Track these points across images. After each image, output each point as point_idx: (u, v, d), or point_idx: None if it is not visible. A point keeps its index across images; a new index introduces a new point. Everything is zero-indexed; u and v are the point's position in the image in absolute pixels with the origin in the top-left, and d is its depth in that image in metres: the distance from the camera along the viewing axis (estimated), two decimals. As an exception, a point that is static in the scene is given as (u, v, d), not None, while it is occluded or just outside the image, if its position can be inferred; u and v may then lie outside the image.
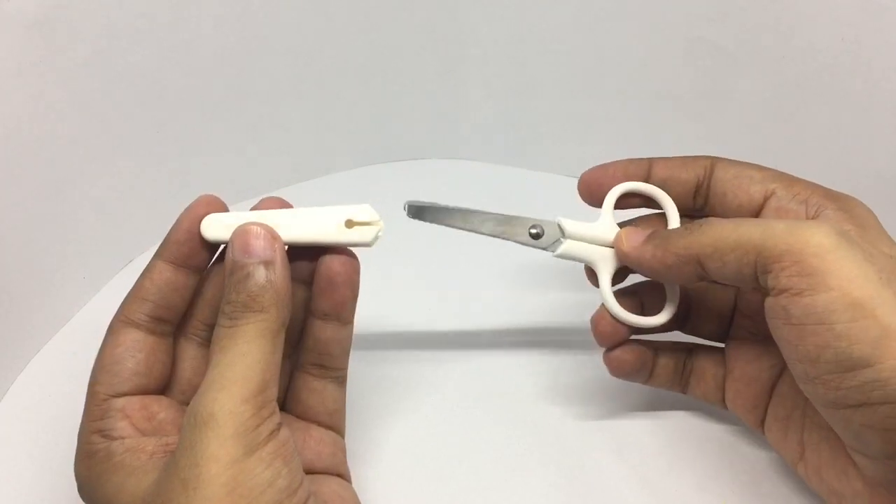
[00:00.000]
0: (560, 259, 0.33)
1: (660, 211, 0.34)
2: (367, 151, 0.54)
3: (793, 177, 0.31)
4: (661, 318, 0.33)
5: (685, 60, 0.46)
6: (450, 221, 0.33)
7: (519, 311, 0.43)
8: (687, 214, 0.34)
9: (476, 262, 0.46)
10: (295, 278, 0.29)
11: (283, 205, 0.30)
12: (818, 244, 0.25)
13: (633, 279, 0.34)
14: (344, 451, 0.32)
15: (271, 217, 0.29)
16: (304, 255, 0.30)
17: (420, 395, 0.39)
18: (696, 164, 0.33)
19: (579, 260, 0.33)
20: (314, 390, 0.31)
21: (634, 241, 0.31)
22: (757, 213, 0.31)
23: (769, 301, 0.26)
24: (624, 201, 0.34)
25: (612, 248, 0.33)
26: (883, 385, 0.24)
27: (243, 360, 0.25)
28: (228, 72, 0.46)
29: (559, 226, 0.33)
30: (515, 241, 0.33)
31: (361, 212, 0.29)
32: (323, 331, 0.30)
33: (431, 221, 0.33)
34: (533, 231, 0.33)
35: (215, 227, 0.29)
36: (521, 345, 0.42)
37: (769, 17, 0.42)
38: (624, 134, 0.50)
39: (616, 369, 0.34)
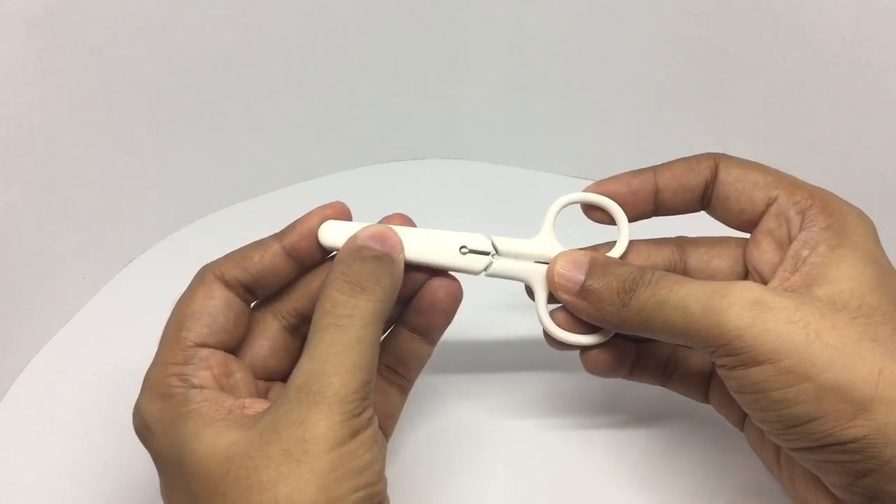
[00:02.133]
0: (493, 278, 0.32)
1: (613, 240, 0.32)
2: (367, 151, 0.54)
3: (796, 182, 0.30)
4: (597, 338, 0.31)
5: (685, 60, 0.46)
6: None
7: (517, 310, 0.43)
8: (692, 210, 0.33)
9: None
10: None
11: (406, 221, 0.31)
12: (735, 327, 0.25)
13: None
14: (385, 454, 0.32)
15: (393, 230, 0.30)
16: (411, 269, 0.31)
17: (419, 396, 0.39)
18: (702, 167, 0.31)
19: (513, 278, 0.32)
20: (379, 390, 0.32)
21: (568, 286, 0.30)
22: (759, 218, 0.31)
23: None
24: (591, 213, 0.33)
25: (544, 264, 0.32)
26: (830, 433, 0.24)
27: (360, 346, 0.26)
28: (228, 72, 0.46)
29: (491, 243, 0.31)
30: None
31: (477, 241, 0.31)
32: (409, 342, 0.32)
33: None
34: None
35: (334, 234, 0.30)
36: (520, 345, 0.42)
37: (769, 17, 0.42)
38: (624, 134, 0.50)
39: (592, 368, 0.33)
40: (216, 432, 0.25)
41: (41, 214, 0.40)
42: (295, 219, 0.30)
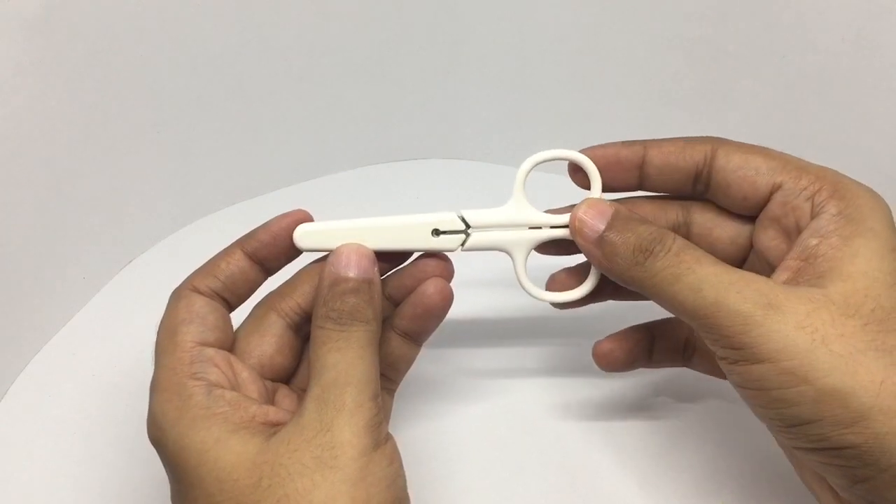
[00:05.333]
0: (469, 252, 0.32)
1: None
2: (367, 151, 0.54)
3: (802, 165, 0.29)
4: (578, 293, 0.32)
5: (685, 60, 0.46)
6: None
7: (517, 309, 0.43)
8: (687, 197, 0.32)
9: (467, 257, 0.46)
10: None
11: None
12: (743, 323, 0.25)
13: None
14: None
15: (362, 224, 0.30)
16: (389, 260, 0.31)
17: (417, 396, 0.39)
18: (696, 151, 0.30)
19: (490, 249, 0.32)
20: None
21: (587, 232, 0.30)
22: (763, 205, 0.30)
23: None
24: (574, 175, 0.32)
25: (526, 227, 0.32)
26: (827, 437, 0.24)
27: (363, 363, 0.27)
28: (228, 72, 0.46)
29: (461, 218, 0.31)
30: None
31: (447, 221, 0.31)
32: (399, 348, 0.32)
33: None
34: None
35: (310, 237, 0.30)
36: (519, 344, 0.42)
37: (769, 16, 0.42)
38: (624, 134, 0.50)
39: (608, 366, 0.34)
40: (243, 439, 0.25)
41: (41, 214, 0.40)
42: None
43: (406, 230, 0.31)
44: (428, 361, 0.41)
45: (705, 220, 0.32)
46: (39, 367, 0.41)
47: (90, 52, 0.40)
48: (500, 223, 0.32)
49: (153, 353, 0.28)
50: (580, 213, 0.30)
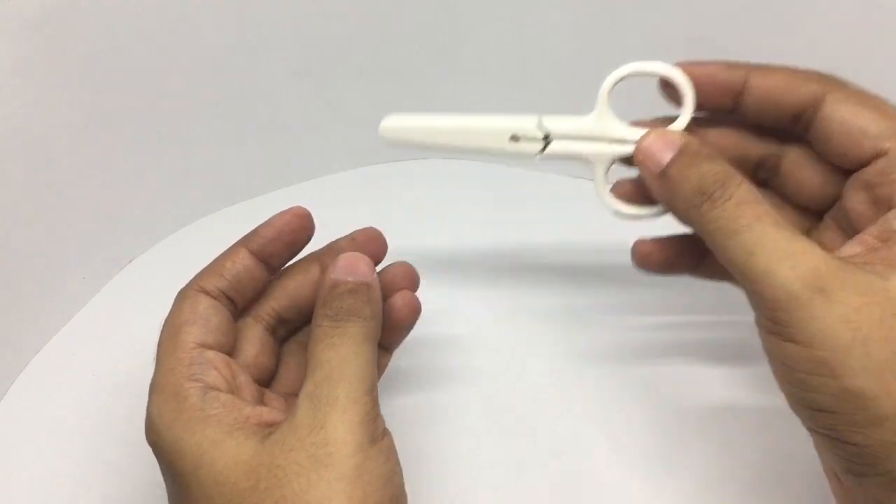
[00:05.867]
0: (549, 160, 0.31)
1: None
2: (367, 151, 0.54)
3: None
4: (656, 210, 0.30)
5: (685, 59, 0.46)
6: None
7: (518, 307, 0.43)
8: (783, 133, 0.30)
9: (467, 257, 0.46)
10: None
11: (377, 240, 0.33)
12: (788, 300, 0.24)
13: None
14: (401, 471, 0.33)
15: (444, 122, 0.32)
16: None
17: (417, 394, 0.39)
18: (804, 90, 0.28)
19: (569, 158, 0.31)
20: None
21: (649, 165, 0.28)
22: (861, 167, 0.27)
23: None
24: (665, 90, 0.31)
25: (608, 142, 0.30)
26: (836, 429, 0.24)
27: (357, 359, 0.27)
28: (228, 72, 0.46)
29: (541, 124, 0.31)
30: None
31: (526, 127, 0.31)
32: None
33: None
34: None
35: (393, 131, 0.32)
36: (519, 344, 0.42)
37: (769, 17, 0.42)
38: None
39: (642, 265, 0.32)
40: (238, 442, 0.25)
41: (41, 215, 0.40)
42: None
43: (484, 133, 0.31)
44: (424, 360, 0.41)
45: (798, 157, 0.30)
46: (39, 367, 0.41)
47: (90, 53, 0.40)
48: (580, 134, 0.31)
49: (156, 353, 0.28)
50: (645, 143, 0.29)
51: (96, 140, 0.42)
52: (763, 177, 0.32)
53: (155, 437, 0.26)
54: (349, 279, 0.29)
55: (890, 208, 0.26)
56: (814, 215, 0.31)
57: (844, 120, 0.27)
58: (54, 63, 0.38)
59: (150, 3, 0.41)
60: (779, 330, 0.24)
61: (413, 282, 0.33)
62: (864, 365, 0.23)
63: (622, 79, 0.30)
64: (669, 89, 0.30)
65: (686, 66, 0.29)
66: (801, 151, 0.30)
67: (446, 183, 0.53)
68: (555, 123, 0.31)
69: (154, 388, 0.27)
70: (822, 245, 0.29)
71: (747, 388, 0.38)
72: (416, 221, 0.49)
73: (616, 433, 0.37)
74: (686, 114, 0.30)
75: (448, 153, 0.33)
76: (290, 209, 0.31)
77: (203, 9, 0.43)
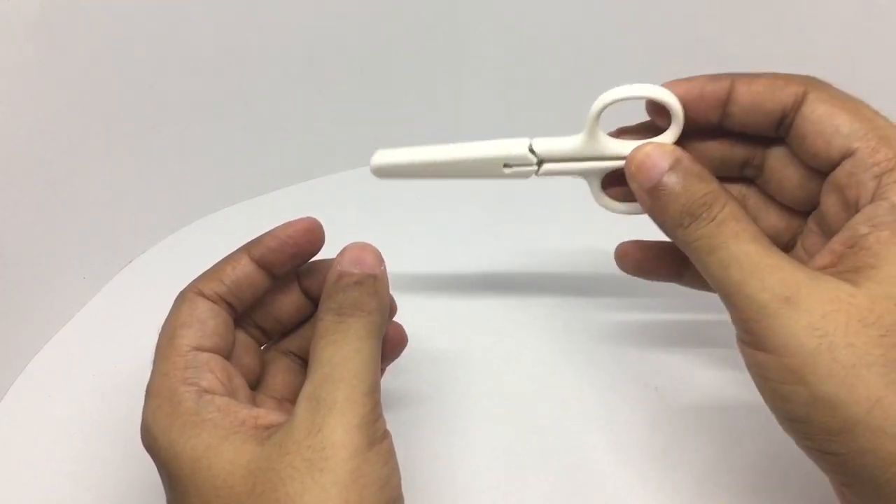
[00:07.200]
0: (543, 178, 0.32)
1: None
2: (367, 151, 0.53)
3: (886, 136, 0.26)
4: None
5: (685, 60, 0.46)
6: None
7: (518, 305, 0.43)
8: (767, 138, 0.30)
9: (467, 257, 0.46)
10: None
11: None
12: (758, 310, 0.25)
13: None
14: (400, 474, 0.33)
15: (436, 155, 0.32)
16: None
17: (417, 394, 0.39)
18: (786, 92, 0.28)
19: (563, 175, 0.32)
20: None
21: (644, 181, 0.28)
22: (832, 168, 0.27)
23: None
24: (652, 113, 0.31)
25: (597, 161, 0.31)
26: (813, 438, 0.24)
27: (359, 356, 0.26)
28: (228, 72, 0.46)
29: (531, 149, 0.31)
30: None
31: (517, 156, 0.32)
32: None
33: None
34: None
35: (384, 169, 0.33)
36: (519, 343, 0.42)
37: (769, 17, 0.42)
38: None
39: (621, 265, 0.33)
40: (234, 446, 0.25)
41: (41, 214, 0.40)
42: (285, 221, 0.31)
43: (477, 163, 0.32)
44: (423, 358, 0.41)
45: (782, 157, 0.30)
46: (39, 367, 0.41)
47: (90, 52, 0.40)
48: (572, 156, 0.31)
49: (153, 355, 0.28)
50: (639, 157, 0.29)
51: (96, 140, 0.42)
52: (750, 175, 0.32)
53: (151, 441, 0.26)
54: (355, 271, 0.28)
55: (857, 211, 0.26)
56: (800, 216, 0.31)
57: (820, 120, 0.27)
58: (54, 63, 0.38)
59: (150, 3, 0.41)
60: (752, 340, 0.25)
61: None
62: (830, 371, 0.23)
63: (610, 104, 0.30)
64: (656, 108, 0.30)
65: (672, 85, 0.30)
66: (784, 152, 0.30)
67: (446, 183, 0.53)
68: (545, 146, 0.32)
69: (149, 392, 0.27)
70: (805, 248, 0.30)
71: (747, 388, 0.38)
72: (415, 221, 0.49)
73: (616, 433, 0.37)
74: (675, 130, 0.30)
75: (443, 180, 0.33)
76: (299, 221, 0.31)
77: (203, 9, 0.43)
